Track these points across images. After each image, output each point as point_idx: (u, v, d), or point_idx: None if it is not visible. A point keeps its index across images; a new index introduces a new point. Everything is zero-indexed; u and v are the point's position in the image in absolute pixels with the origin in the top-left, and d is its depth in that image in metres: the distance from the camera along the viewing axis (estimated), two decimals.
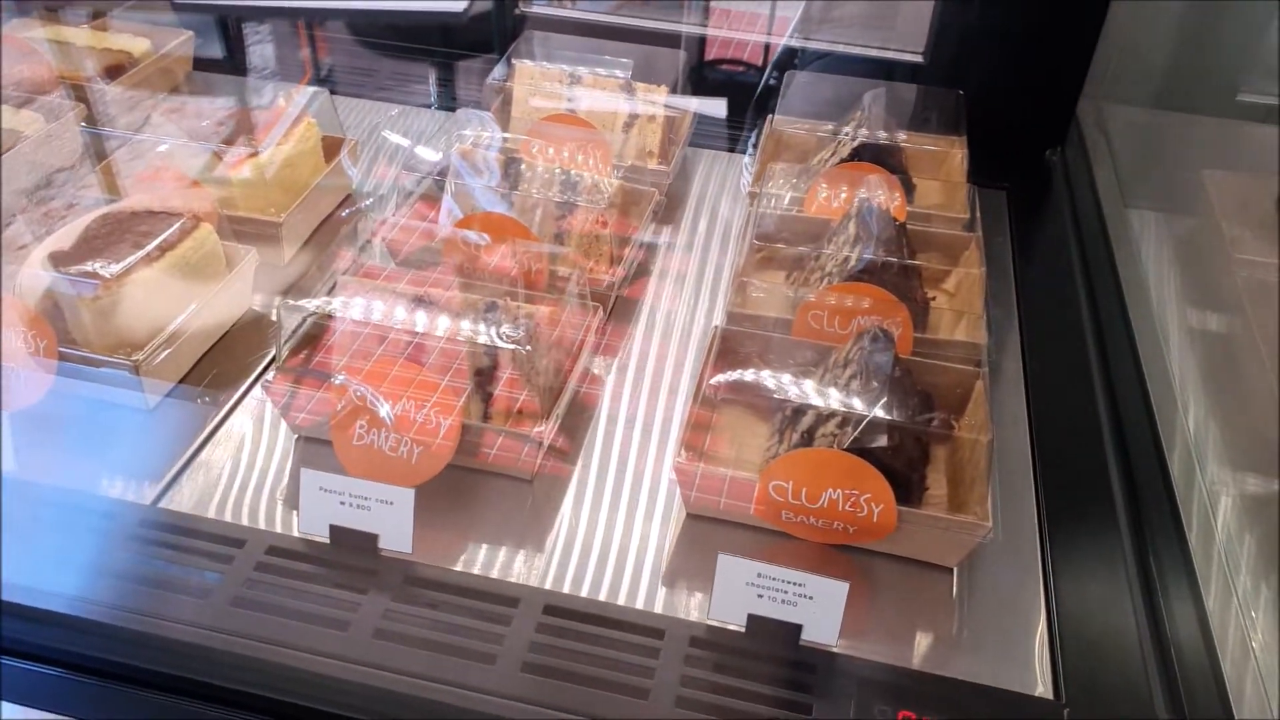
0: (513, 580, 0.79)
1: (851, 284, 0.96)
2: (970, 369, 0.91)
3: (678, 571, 0.81)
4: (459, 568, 0.80)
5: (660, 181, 1.21)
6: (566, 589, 0.79)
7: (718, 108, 1.42)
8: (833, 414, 0.81)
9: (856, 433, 0.78)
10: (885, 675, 0.73)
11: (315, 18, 1.74)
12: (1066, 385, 1.01)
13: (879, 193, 1.09)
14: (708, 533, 0.84)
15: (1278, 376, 0.88)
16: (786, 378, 0.86)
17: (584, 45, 1.38)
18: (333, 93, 1.49)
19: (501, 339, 0.83)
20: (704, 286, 1.14)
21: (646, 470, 0.90)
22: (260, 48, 1.71)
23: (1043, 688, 0.74)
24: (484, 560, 0.81)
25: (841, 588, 0.72)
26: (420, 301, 0.89)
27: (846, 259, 1.00)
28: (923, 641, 0.77)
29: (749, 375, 0.85)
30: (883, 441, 0.77)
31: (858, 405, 0.80)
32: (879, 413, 0.79)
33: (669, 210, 1.26)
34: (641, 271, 1.15)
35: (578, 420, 0.95)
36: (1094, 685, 0.73)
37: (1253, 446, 0.91)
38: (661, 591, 0.79)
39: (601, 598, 0.78)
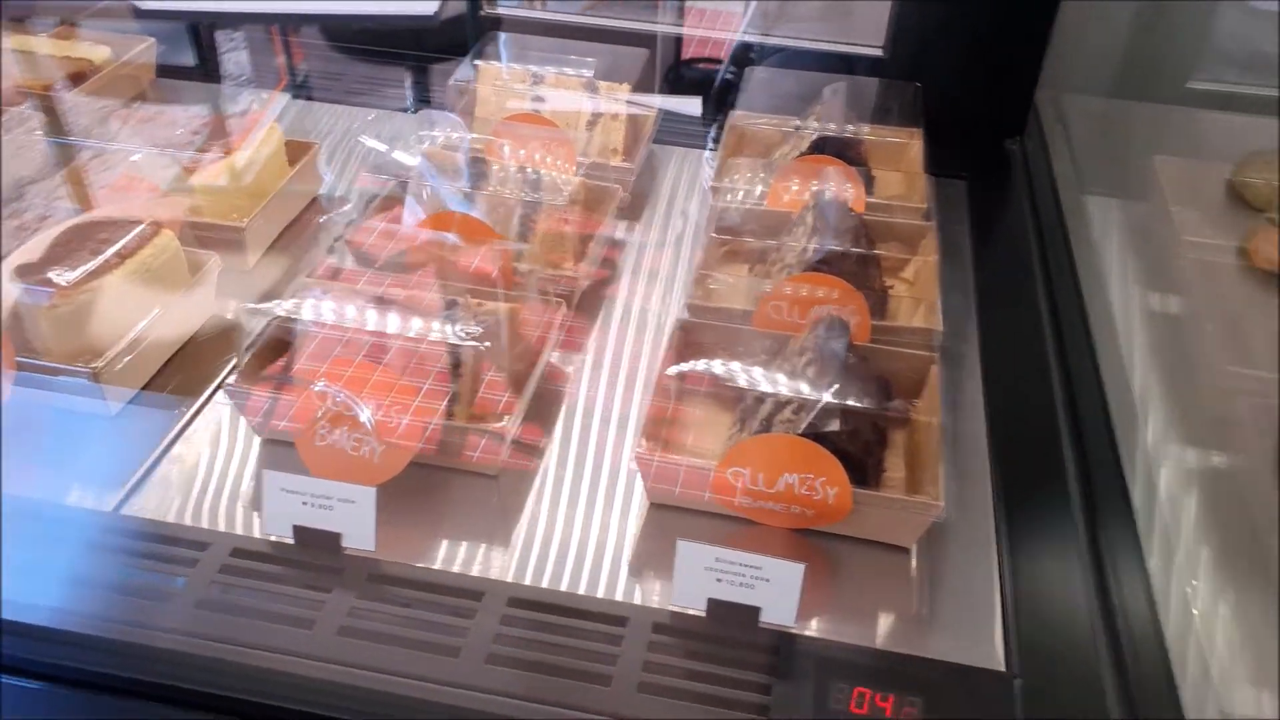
0: (478, 574, 0.80)
1: (809, 275, 0.97)
2: (924, 354, 0.92)
3: (642, 560, 0.83)
4: (424, 564, 0.81)
5: (625, 178, 1.22)
6: (531, 581, 0.80)
7: (687, 105, 1.43)
8: (789, 401, 0.83)
9: (811, 418, 0.79)
10: (842, 654, 0.74)
11: (283, 23, 1.74)
12: (1022, 369, 1.03)
13: (837, 185, 1.11)
14: (671, 521, 0.86)
15: (1256, 357, 0.90)
16: (745, 367, 0.88)
17: (548, 45, 1.39)
18: (309, 98, 1.50)
19: (461, 337, 0.84)
20: (672, 281, 1.15)
21: (613, 463, 0.91)
22: (235, 55, 1.71)
23: (999, 662, 0.75)
24: (449, 556, 0.82)
25: (797, 569, 0.73)
26: (382, 302, 0.90)
27: (805, 250, 1.02)
28: (881, 620, 0.78)
29: (706, 365, 0.86)
30: (836, 426, 0.79)
31: (812, 391, 0.81)
32: (833, 398, 0.80)
33: (636, 207, 1.27)
34: (609, 267, 1.17)
35: (544, 415, 0.96)
36: (1045, 657, 0.75)
37: (1200, 425, 0.93)
38: (626, 580, 0.81)
39: (566, 589, 0.79)
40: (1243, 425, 0.94)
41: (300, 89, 1.55)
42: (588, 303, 1.11)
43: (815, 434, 0.79)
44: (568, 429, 0.95)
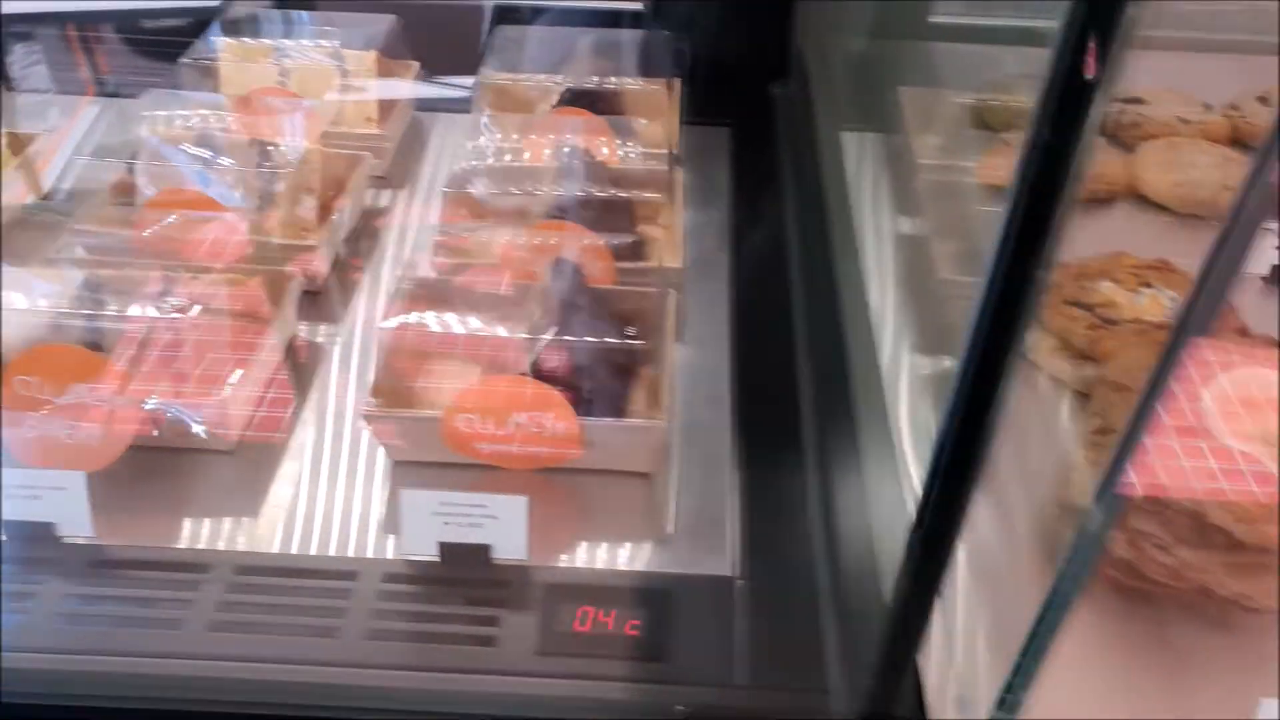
0: (207, 548, 0.81)
1: (550, 223, 1.01)
2: (661, 290, 0.98)
3: (382, 517, 0.85)
4: (151, 544, 0.81)
5: (380, 145, 1.24)
6: (275, 550, 0.82)
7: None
8: (520, 344, 0.87)
9: (532, 357, 0.84)
10: (572, 579, 0.79)
11: (58, 24, 1.67)
12: (767, 299, 1.10)
13: (585, 136, 1.16)
14: (416, 476, 0.88)
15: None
16: (462, 316, 0.91)
17: (294, 17, 1.39)
18: (126, 96, 1.43)
19: (170, 313, 0.84)
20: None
21: (357, 428, 0.93)
22: (35, 68, 1.62)
23: (728, 570, 0.81)
24: (180, 533, 0.83)
25: (521, 503, 0.78)
26: (95, 286, 0.90)
27: (549, 201, 1.06)
28: (620, 544, 0.84)
29: (431, 317, 0.90)
30: (555, 363, 0.83)
31: (537, 333, 0.86)
32: (552, 337, 0.84)
33: (402, 173, 1.29)
34: (370, 236, 1.18)
35: (288, 384, 0.97)
36: (768, 561, 0.82)
37: (920, 336, 1.02)
38: (365, 538, 0.83)
39: (301, 553, 0.81)
40: (955, 332, 1.03)
41: (113, 94, 1.49)
42: (343, 270, 1.12)
43: (538, 372, 0.83)
44: (320, 398, 0.97)
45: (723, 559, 0.82)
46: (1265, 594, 0.76)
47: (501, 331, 0.86)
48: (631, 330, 0.88)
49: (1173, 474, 0.75)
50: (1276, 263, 1.12)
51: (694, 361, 1.00)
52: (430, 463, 0.89)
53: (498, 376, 0.84)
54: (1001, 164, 1.28)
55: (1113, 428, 0.81)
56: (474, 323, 0.90)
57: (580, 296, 0.91)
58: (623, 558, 0.82)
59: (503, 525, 0.78)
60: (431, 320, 0.88)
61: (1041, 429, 0.97)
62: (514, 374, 0.84)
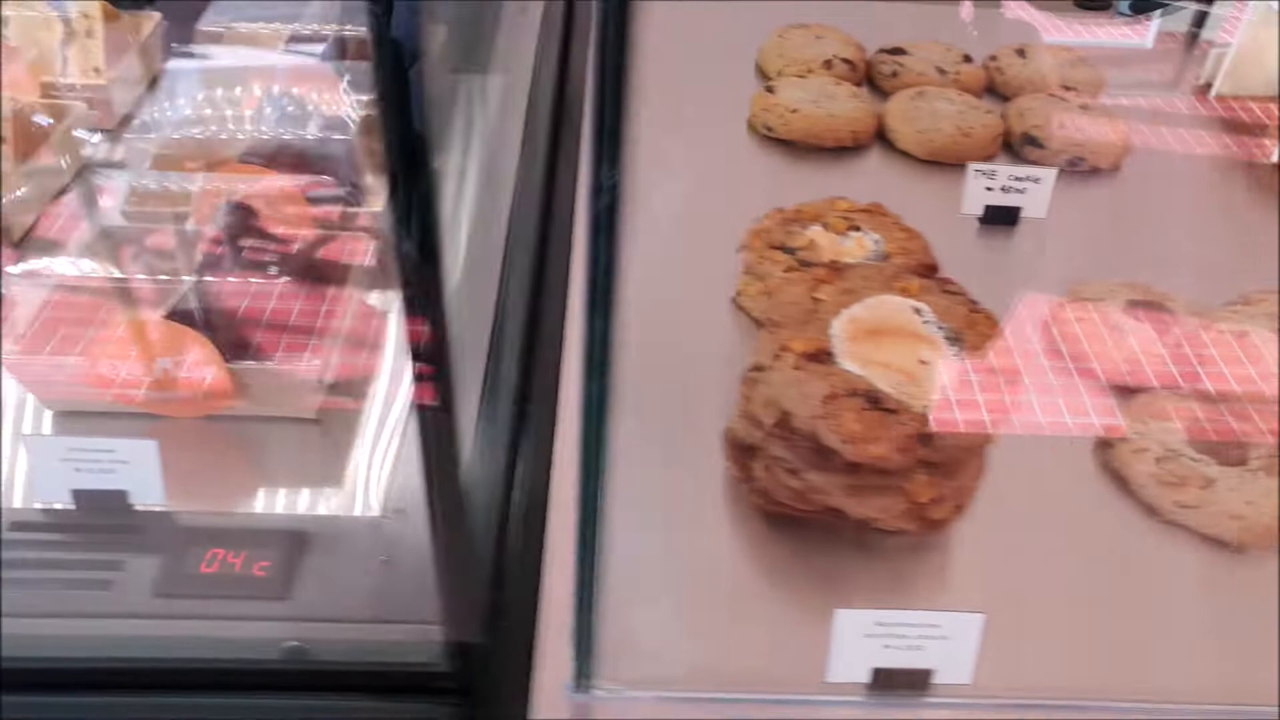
0: None
1: (238, 167, 1.00)
2: (355, 236, 0.98)
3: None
4: None
5: (105, 97, 1.21)
6: None
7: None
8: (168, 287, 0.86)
9: (175, 301, 0.83)
10: (211, 523, 0.79)
11: None
12: (486, 248, 1.11)
13: (308, 81, 1.14)
14: (82, 425, 0.87)
15: None
16: (157, 264, 0.90)
17: None
18: None
19: None
20: None
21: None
22: None
23: (379, 511, 0.82)
24: None
25: (151, 446, 0.77)
26: None
27: (253, 146, 1.05)
28: (275, 490, 0.84)
29: (81, 265, 0.88)
30: (194, 304, 0.83)
31: (190, 275, 0.85)
32: (197, 279, 0.84)
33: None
34: (86, 188, 1.15)
35: None
36: (420, 501, 0.83)
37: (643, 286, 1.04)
38: (17, 489, 0.82)
39: None
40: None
41: None
42: (55, 225, 1.10)
43: (181, 313, 0.83)
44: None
45: (376, 500, 0.83)
46: (893, 515, 0.79)
47: (142, 276, 0.85)
48: (274, 270, 0.88)
49: (794, 399, 0.78)
50: (989, 204, 1.17)
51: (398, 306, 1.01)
52: (95, 412, 0.88)
53: (139, 321, 0.83)
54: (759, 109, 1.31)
55: (763, 364, 0.84)
56: (139, 269, 0.89)
57: (248, 240, 0.90)
58: (273, 502, 0.83)
59: (135, 470, 0.78)
60: (74, 267, 0.87)
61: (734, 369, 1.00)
62: (158, 318, 0.84)
